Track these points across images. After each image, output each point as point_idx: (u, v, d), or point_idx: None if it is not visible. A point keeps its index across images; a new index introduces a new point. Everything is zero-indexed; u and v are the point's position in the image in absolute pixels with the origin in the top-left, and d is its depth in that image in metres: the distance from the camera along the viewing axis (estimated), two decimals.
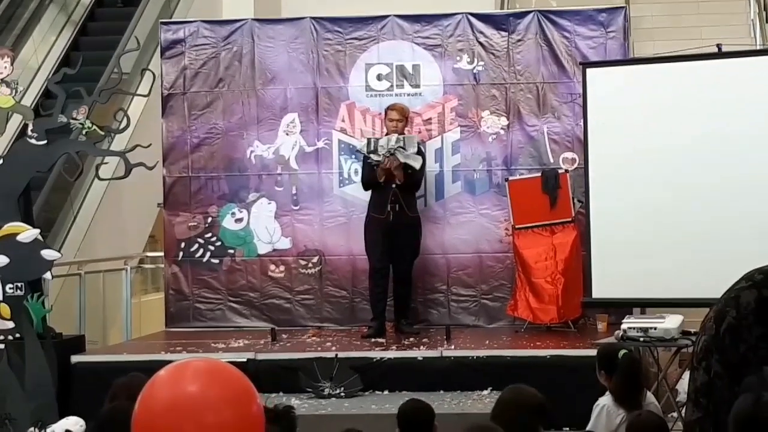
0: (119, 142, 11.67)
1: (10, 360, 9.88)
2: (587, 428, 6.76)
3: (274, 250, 12.16)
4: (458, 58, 12.01)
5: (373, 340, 10.69)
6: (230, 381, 2.79)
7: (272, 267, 12.14)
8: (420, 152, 11.08)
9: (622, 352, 6.90)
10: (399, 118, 11.15)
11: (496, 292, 11.76)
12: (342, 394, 9.30)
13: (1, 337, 9.99)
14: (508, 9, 15.56)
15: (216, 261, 12.20)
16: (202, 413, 2.67)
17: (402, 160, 10.80)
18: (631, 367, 6.84)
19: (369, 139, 11.05)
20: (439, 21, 12.10)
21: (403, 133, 11.09)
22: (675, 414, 8.49)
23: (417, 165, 10.90)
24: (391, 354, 9.97)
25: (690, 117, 9.94)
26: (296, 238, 12.11)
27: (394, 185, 10.86)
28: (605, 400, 6.72)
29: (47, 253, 10.06)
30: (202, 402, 2.68)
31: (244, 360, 9.73)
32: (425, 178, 11.75)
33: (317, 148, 12.00)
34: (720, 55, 10.44)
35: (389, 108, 11.30)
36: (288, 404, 5.68)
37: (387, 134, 11.15)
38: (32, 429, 7.13)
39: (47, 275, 10.15)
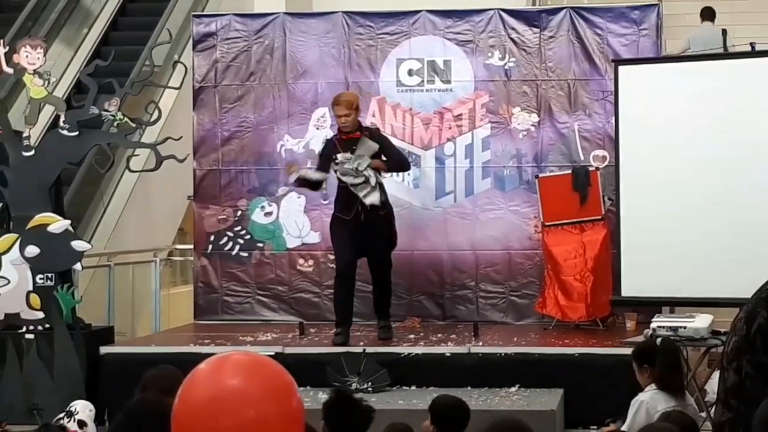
0: (150, 135, 11.69)
1: (39, 350, 9.95)
2: (625, 424, 6.77)
3: (303, 244, 12.18)
4: (490, 54, 11.99)
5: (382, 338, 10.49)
6: (271, 375, 2.78)
7: (301, 261, 12.15)
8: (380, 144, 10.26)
9: (660, 338, 6.96)
10: (346, 113, 10.06)
11: (524, 289, 11.73)
12: (369, 389, 9.29)
13: (31, 328, 10.04)
14: (540, 5, 15.52)
15: (245, 254, 12.21)
16: (242, 407, 2.66)
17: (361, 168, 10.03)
18: (672, 350, 6.88)
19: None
20: (471, 17, 12.08)
21: (357, 125, 10.22)
22: (704, 414, 8.46)
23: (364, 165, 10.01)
24: (419, 350, 9.96)
25: (722, 115, 9.89)
26: (325, 232, 12.05)
27: (355, 181, 10.05)
28: (644, 397, 6.72)
29: (77, 245, 10.10)
30: (242, 396, 2.68)
31: (272, 353, 9.70)
32: (455, 174, 11.81)
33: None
34: (753, 53, 10.39)
35: (334, 103, 10.34)
36: (370, 405, 5.75)
37: (338, 127, 10.31)
38: (61, 416, 7.17)
39: (77, 266, 10.20)
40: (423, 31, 12.13)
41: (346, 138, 10.19)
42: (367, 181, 10.03)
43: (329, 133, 12.03)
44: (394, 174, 11.18)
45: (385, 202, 10.30)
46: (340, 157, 10.05)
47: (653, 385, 6.78)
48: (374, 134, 10.48)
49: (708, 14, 14.53)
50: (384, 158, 10.23)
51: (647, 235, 10.16)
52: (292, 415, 2.76)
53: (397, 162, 10.48)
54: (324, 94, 12.15)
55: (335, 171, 10.16)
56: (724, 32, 13.93)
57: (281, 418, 2.72)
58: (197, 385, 2.75)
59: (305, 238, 12.16)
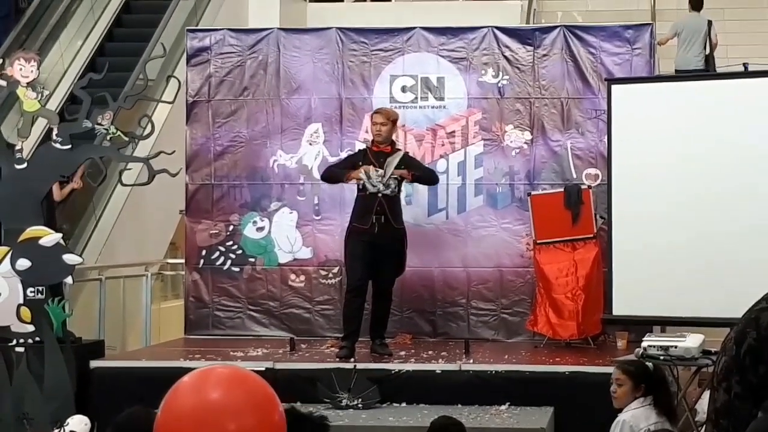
0: (143, 149, 11.68)
1: (29, 364, 9.91)
2: None
3: (295, 259, 12.17)
4: (483, 71, 12.01)
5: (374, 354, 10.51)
6: (253, 388, 2.78)
7: (292, 276, 12.14)
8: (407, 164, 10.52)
9: (650, 364, 6.96)
10: (383, 121, 10.44)
11: (516, 306, 11.73)
12: (360, 405, 9.28)
13: (22, 341, 10.00)
14: (534, 23, 15.56)
15: (236, 269, 12.20)
16: (224, 420, 2.66)
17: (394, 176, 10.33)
18: (662, 376, 6.90)
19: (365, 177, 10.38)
20: (465, 34, 12.10)
21: (390, 138, 10.58)
22: None
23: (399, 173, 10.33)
24: (410, 366, 9.95)
25: (715, 135, 9.89)
26: (317, 248, 12.11)
27: (380, 194, 10.31)
28: (625, 416, 6.72)
29: (69, 258, 10.07)
30: (224, 409, 2.68)
31: (263, 369, 9.69)
32: (447, 190, 11.83)
33: (340, 159, 11.98)
34: (746, 74, 10.42)
35: (374, 112, 10.80)
36: (323, 414, 5.69)
37: (372, 140, 10.65)
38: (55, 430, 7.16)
39: (68, 280, 10.16)
40: (417, 48, 12.15)
41: (377, 150, 10.46)
42: (388, 187, 10.28)
43: (322, 149, 12.06)
44: None
45: (401, 219, 10.53)
46: (373, 175, 10.23)
47: (633, 404, 6.80)
48: (404, 156, 10.68)
49: (696, 4, 14.97)
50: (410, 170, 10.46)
51: (639, 254, 10.15)
52: (274, 428, 2.76)
53: (426, 174, 10.75)
54: (317, 109, 12.18)
55: (362, 184, 10.32)
56: (710, 23, 14.36)
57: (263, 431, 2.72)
58: (180, 398, 2.75)
59: (297, 254, 12.16)
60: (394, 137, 10.80)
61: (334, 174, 10.77)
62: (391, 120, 10.55)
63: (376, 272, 10.46)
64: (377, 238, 10.30)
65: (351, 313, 10.45)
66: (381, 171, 10.28)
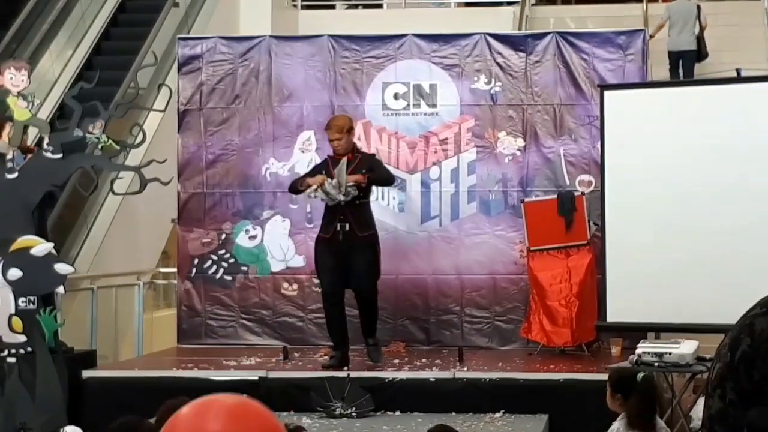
0: (134, 157, 11.64)
1: (21, 374, 9.85)
2: None
3: (288, 267, 12.13)
4: (476, 78, 11.98)
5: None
6: (258, 421, 2.67)
7: (285, 285, 12.11)
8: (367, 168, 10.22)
9: (641, 374, 6.89)
10: (338, 136, 10.10)
11: (509, 314, 11.70)
12: (353, 414, 9.25)
13: (13, 351, 9.96)
14: (526, 30, 15.54)
15: (229, 278, 12.17)
16: None
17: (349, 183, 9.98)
18: (650, 390, 6.83)
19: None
20: (457, 41, 12.08)
21: (352, 148, 10.26)
22: None
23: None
24: (404, 374, 9.92)
25: (709, 141, 9.89)
26: (310, 256, 12.03)
27: (343, 202, 10.00)
28: (618, 425, 6.69)
29: (60, 267, 10.03)
30: None
31: (256, 378, 9.69)
32: (440, 198, 11.80)
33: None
34: (739, 79, 10.40)
35: (326, 127, 10.39)
36: (299, 424, 5.67)
37: (334, 150, 10.25)
38: None
39: (60, 289, 10.12)
40: (409, 55, 12.12)
41: (339, 158, 10.17)
42: (348, 195, 9.96)
43: (314, 157, 12.03)
44: (380, 198, 11.27)
45: (369, 225, 10.28)
46: (329, 189, 9.93)
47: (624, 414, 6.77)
48: (366, 157, 10.50)
49: None
50: (365, 173, 10.12)
51: (632, 261, 10.14)
52: None
53: (380, 176, 10.32)
54: (309, 117, 12.14)
55: (322, 196, 10.05)
56: (699, 7, 14.62)
57: None
58: (178, 428, 2.65)
59: (289, 262, 12.12)
60: (355, 140, 10.68)
61: (294, 185, 10.50)
62: (345, 131, 10.21)
63: (349, 280, 10.28)
64: (342, 246, 10.08)
65: (331, 323, 10.34)
66: (333, 181, 9.96)
